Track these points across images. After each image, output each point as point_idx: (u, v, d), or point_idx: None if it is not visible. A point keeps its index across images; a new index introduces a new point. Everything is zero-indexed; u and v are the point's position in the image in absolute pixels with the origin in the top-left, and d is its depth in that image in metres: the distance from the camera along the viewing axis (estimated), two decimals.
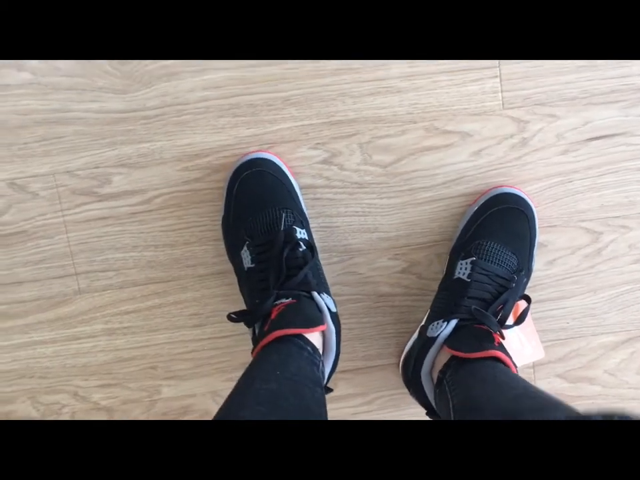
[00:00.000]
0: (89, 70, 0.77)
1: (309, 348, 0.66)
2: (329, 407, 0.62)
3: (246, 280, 0.74)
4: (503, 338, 0.71)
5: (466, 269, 0.75)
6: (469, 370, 0.66)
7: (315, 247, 0.76)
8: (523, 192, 0.79)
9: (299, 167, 0.80)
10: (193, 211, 0.81)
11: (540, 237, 0.83)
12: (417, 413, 0.87)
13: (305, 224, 0.76)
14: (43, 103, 0.77)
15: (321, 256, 0.81)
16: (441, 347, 0.72)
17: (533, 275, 0.83)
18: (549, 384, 0.86)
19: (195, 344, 0.84)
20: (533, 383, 0.85)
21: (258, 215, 0.75)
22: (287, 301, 0.69)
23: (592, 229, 0.83)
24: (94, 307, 0.83)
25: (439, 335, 0.72)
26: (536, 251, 0.79)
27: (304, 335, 0.66)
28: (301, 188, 0.80)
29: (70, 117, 0.78)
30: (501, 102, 0.80)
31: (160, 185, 0.80)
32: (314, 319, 0.67)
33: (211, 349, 0.84)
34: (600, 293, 0.85)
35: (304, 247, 0.73)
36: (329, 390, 0.72)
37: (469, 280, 0.74)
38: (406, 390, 0.85)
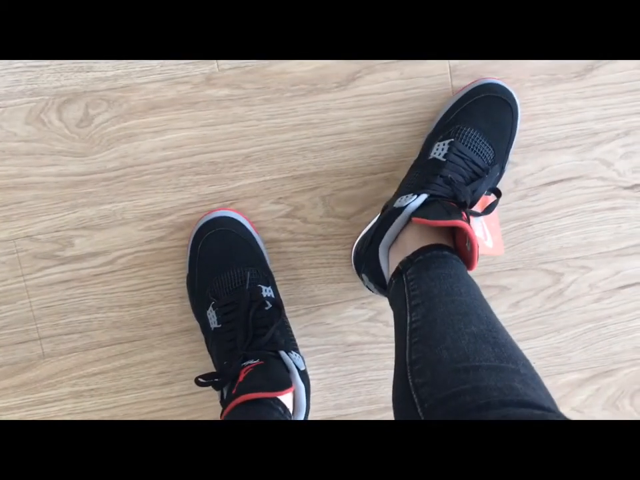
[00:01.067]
0: (46, 134, 0.76)
1: (279, 408, 0.66)
2: None
3: (213, 340, 0.74)
4: (468, 220, 0.69)
5: (442, 149, 0.73)
6: (433, 276, 0.64)
7: (282, 304, 0.76)
8: (510, 87, 0.78)
9: (263, 221, 0.80)
10: (157, 270, 0.80)
11: (503, 281, 0.84)
12: None
13: (270, 280, 0.77)
14: (0, 169, 0.76)
15: (287, 309, 0.81)
16: (408, 220, 0.69)
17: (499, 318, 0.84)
18: None
19: (164, 402, 0.84)
20: None
21: (222, 275, 0.75)
22: (254, 362, 0.69)
23: (553, 271, 0.84)
24: (59, 370, 0.82)
25: (407, 205, 0.69)
26: (513, 149, 0.79)
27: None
28: (265, 242, 0.80)
29: (29, 182, 0.77)
30: None
31: (123, 245, 0.79)
32: (281, 381, 0.67)
33: (181, 407, 0.84)
34: (563, 332, 0.86)
35: (270, 305, 0.73)
36: None
37: (445, 160, 0.72)
38: None
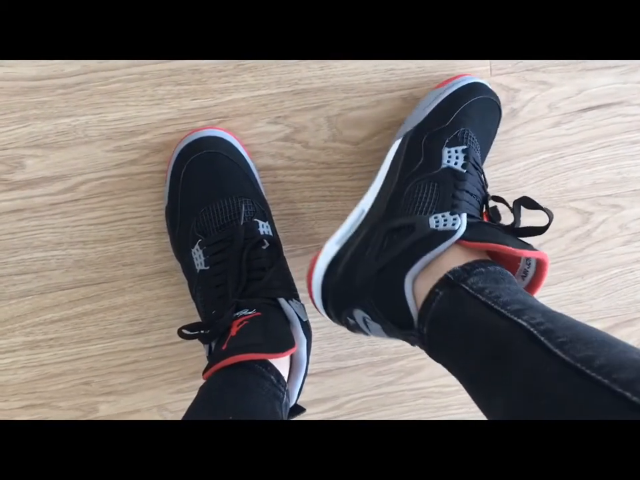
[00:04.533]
0: None
1: (272, 377, 0.55)
2: None
3: (198, 284, 0.62)
4: None
5: (457, 157, 0.62)
6: (512, 290, 0.51)
7: (280, 243, 0.65)
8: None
9: (256, 144, 0.67)
10: (128, 200, 0.67)
11: (527, 220, 0.74)
12: (392, 415, 0.79)
13: (267, 215, 0.64)
14: None
15: (283, 248, 0.69)
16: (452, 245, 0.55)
17: None
18: None
19: (137, 353, 0.72)
20: None
21: (211, 207, 0.62)
22: (249, 313, 0.58)
23: (582, 209, 0.75)
24: (10, 316, 0.69)
25: (457, 228, 0.55)
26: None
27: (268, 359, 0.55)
28: (258, 169, 0.68)
29: None
30: (489, 67, 0.69)
31: (86, 169, 0.65)
32: (283, 339, 0.56)
33: (157, 359, 0.72)
34: (587, 278, 0.78)
35: (268, 245, 0.61)
36: (301, 410, 0.62)
37: (464, 171, 0.61)
38: (380, 391, 0.77)
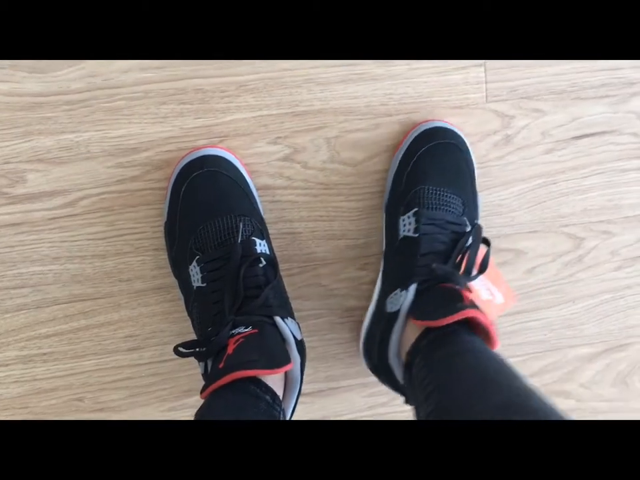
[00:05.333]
0: None
1: (267, 397, 0.55)
2: None
3: (195, 301, 0.63)
4: (471, 291, 0.61)
5: (410, 223, 0.64)
6: (442, 355, 0.55)
7: (277, 261, 0.65)
8: (448, 122, 0.69)
9: (256, 164, 0.68)
10: (127, 216, 0.67)
11: (520, 244, 0.75)
12: None
13: (264, 234, 0.65)
14: None
15: (280, 267, 0.70)
16: (406, 320, 0.61)
17: (512, 285, 0.75)
18: None
19: (131, 370, 0.72)
20: None
21: (210, 224, 0.63)
22: (246, 331, 0.58)
23: (574, 235, 0.76)
24: (5, 330, 0.68)
25: (400, 307, 0.61)
26: (478, 187, 0.70)
27: (262, 379, 0.55)
28: (258, 189, 0.68)
29: None
30: (484, 94, 0.71)
31: (86, 184, 0.66)
32: (279, 356, 0.56)
33: (150, 376, 0.72)
34: (579, 303, 0.79)
35: (265, 263, 0.62)
36: None
37: (417, 235, 0.63)
38: (373, 412, 0.77)
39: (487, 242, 0.63)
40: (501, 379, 0.50)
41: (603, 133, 0.74)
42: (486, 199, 0.73)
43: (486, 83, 0.70)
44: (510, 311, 0.76)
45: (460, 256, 0.61)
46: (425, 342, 0.57)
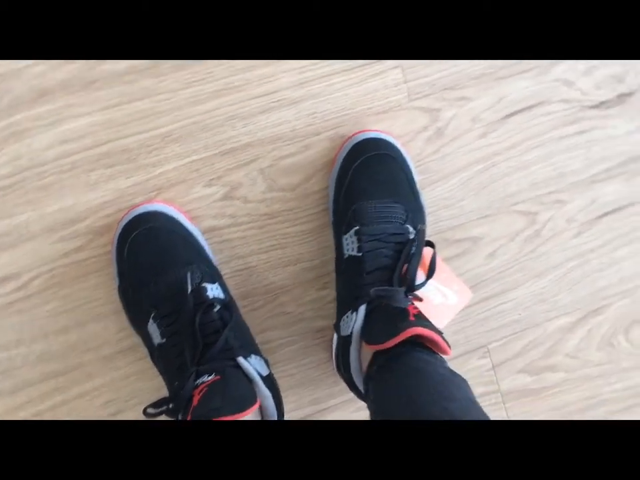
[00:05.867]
0: None
1: None
2: None
3: (159, 358, 0.63)
4: (421, 300, 0.61)
5: (352, 242, 0.64)
6: (388, 389, 0.56)
7: (233, 301, 0.65)
8: (377, 130, 0.69)
9: (196, 209, 0.69)
10: (80, 286, 0.68)
11: (474, 231, 0.76)
12: None
13: (215, 276, 0.65)
14: None
15: (241, 303, 0.70)
16: (360, 342, 0.62)
17: (475, 272, 0.76)
18: (512, 382, 0.79)
19: None
20: (494, 384, 0.79)
21: (159, 280, 0.63)
22: (209, 379, 0.58)
23: (526, 211, 0.76)
24: None
25: (351, 331, 0.61)
26: (419, 189, 0.70)
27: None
28: (203, 233, 0.69)
29: None
30: (406, 94, 0.71)
31: (34, 264, 0.67)
32: (244, 398, 0.56)
33: None
34: (546, 276, 0.79)
35: (219, 307, 0.62)
36: None
37: (360, 254, 0.63)
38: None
39: (431, 244, 0.63)
40: (434, 409, 0.50)
41: (532, 106, 0.74)
42: (431, 195, 0.73)
43: (405, 82, 0.71)
44: (479, 297, 0.77)
45: (406, 265, 0.61)
46: (375, 368, 0.58)
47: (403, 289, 0.59)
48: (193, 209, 0.69)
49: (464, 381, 0.55)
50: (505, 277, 0.78)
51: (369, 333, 0.59)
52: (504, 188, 0.75)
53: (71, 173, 0.66)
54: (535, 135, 0.75)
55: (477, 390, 0.80)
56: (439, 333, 0.56)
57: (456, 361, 0.78)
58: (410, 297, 0.59)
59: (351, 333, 0.61)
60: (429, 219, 0.73)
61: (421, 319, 0.57)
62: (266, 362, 0.64)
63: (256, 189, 0.70)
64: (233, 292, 0.70)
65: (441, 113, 0.72)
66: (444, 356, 0.58)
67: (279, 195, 0.70)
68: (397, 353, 0.56)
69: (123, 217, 0.65)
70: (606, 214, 0.78)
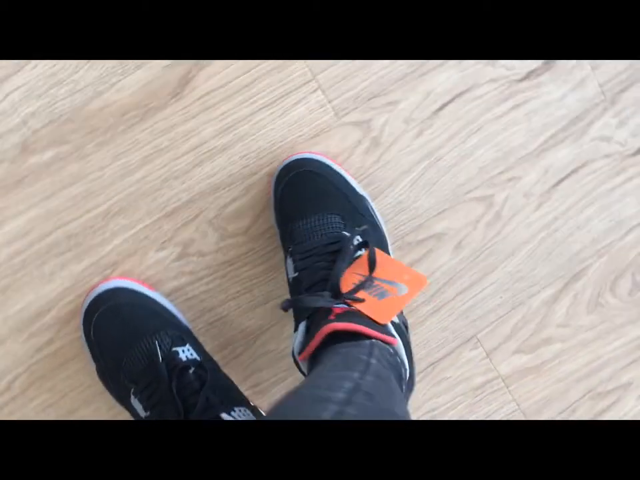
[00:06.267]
0: None
1: None
2: None
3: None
4: (361, 300, 0.58)
5: (290, 264, 0.64)
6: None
7: (208, 357, 0.66)
8: (302, 152, 0.68)
9: (155, 275, 0.69)
10: (61, 377, 0.69)
11: (435, 228, 0.75)
12: None
13: (185, 337, 0.66)
14: None
15: (221, 354, 0.71)
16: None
17: (446, 267, 0.76)
18: (509, 365, 0.79)
19: None
20: (493, 371, 0.78)
21: (130, 355, 0.64)
22: None
23: (481, 196, 0.76)
24: None
25: (292, 350, 0.60)
26: (362, 193, 0.69)
27: None
28: (167, 295, 0.69)
29: None
30: (333, 113, 0.71)
31: (11, 366, 0.68)
32: None
33: None
34: (518, 254, 0.78)
35: (193, 368, 0.63)
36: None
37: (297, 273, 0.63)
38: None
39: (365, 244, 0.63)
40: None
41: (461, 93, 0.73)
42: (383, 203, 0.73)
43: (329, 102, 0.71)
44: (456, 290, 0.76)
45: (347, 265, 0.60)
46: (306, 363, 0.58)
47: (327, 293, 0.58)
48: (152, 275, 0.69)
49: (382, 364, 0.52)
50: (478, 265, 0.77)
51: (303, 344, 0.58)
52: (454, 179, 0.75)
53: (24, 270, 0.66)
54: (471, 120, 0.74)
55: (476, 381, 0.80)
56: (369, 324, 0.55)
57: (449, 358, 0.78)
58: (344, 300, 0.58)
59: (293, 351, 0.60)
60: (388, 226, 0.73)
61: (347, 316, 0.56)
62: (252, 410, 0.64)
63: (209, 241, 0.70)
64: (212, 344, 0.71)
65: (372, 122, 0.72)
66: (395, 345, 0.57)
67: (233, 241, 0.71)
68: (316, 354, 0.55)
69: (83, 301, 0.66)
70: (562, 179, 0.77)
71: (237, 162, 0.69)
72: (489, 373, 0.79)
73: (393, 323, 0.59)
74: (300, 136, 0.70)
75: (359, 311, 0.57)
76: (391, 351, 0.56)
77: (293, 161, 0.67)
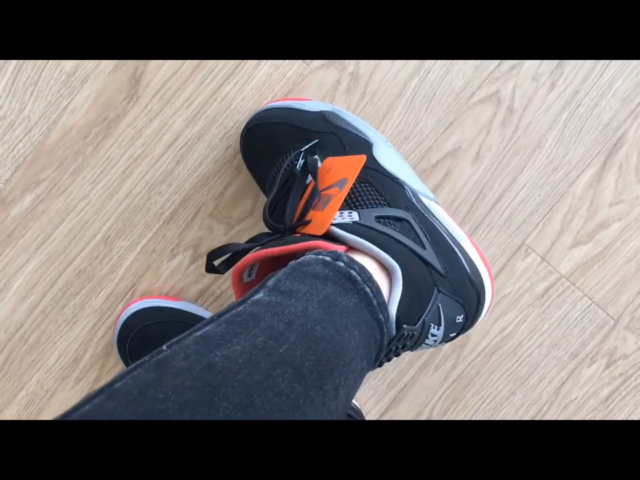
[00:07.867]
0: None
1: None
2: None
3: None
4: (306, 223, 0.51)
5: None
6: None
7: None
8: (273, 101, 0.63)
9: (176, 284, 0.67)
10: None
11: (446, 145, 0.69)
12: None
13: None
14: None
15: None
16: None
17: (471, 183, 0.70)
18: (570, 261, 0.73)
19: None
20: (553, 273, 0.73)
21: None
22: None
23: (487, 95, 0.69)
24: None
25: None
26: (324, 107, 0.62)
27: None
28: (195, 301, 0.67)
29: None
30: (300, 61, 0.65)
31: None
32: None
33: None
34: (544, 144, 0.71)
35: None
36: None
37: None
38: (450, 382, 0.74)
39: (304, 162, 0.56)
40: None
41: None
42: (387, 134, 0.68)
43: None
44: (489, 203, 0.71)
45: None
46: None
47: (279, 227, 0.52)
48: (174, 285, 0.67)
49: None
50: (504, 169, 0.71)
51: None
52: (448, 88, 0.68)
53: (47, 321, 0.65)
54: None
55: (539, 288, 0.75)
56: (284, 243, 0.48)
57: (503, 274, 0.73)
58: (292, 233, 0.51)
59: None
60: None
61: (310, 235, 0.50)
62: None
63: (217, 234, 0.67)
64: None
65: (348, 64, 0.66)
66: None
67: (242, 226, 0.67)
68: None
69: (113, 332, 0.64)
70: None
71: (217, 145, 0.65)
72: (550, 276, 0.73)
73: (346, 224, 0.51)
74: (274, 95, 0.65)
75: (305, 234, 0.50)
76: (326, 259, 0.45)
77: (243, 127, 0.62)
